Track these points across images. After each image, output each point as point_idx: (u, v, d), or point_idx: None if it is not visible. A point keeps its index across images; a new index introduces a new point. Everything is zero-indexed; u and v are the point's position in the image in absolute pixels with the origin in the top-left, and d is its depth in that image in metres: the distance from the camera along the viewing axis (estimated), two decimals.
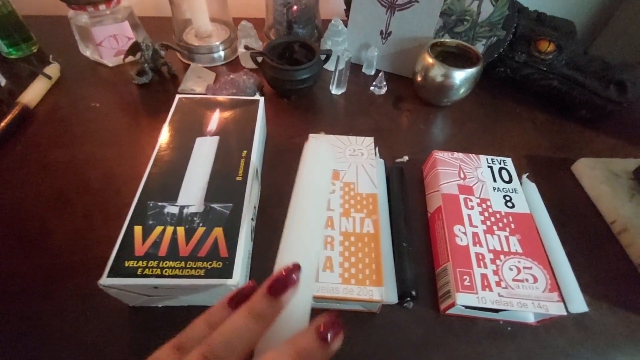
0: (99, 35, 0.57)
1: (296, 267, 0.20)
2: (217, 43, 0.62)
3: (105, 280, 0.29)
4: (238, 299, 0.20)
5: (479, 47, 0.59)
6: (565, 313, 0.31)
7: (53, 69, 0.58)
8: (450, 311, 0.34)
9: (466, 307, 0.32)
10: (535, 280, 0.33)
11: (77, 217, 0.42)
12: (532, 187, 0.44)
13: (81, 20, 0.57)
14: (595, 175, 0.46)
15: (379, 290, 0.32)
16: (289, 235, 0.24)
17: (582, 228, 0.43)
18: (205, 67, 0.61)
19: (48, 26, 0.68)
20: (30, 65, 0.60)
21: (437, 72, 0.52)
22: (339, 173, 0.41)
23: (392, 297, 0.35)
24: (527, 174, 0.46)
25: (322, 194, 0.27)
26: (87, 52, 0.62)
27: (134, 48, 0.56)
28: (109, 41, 0.59)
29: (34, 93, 0.54)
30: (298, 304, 0.20)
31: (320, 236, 0.25)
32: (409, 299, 0.35)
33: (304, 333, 0.18)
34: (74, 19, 0.58)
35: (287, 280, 0.19)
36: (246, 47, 0.54)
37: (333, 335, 0.17)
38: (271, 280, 0.19)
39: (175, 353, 0.18)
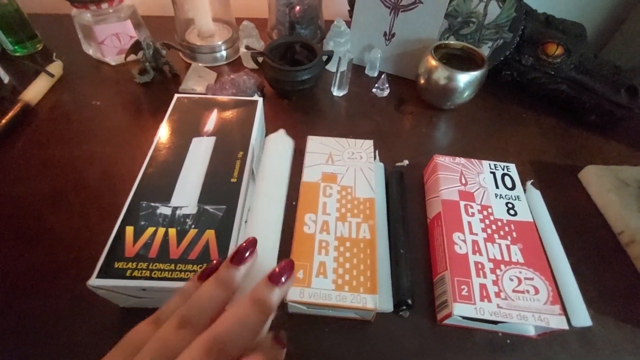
0: (101, 33, 0.57)
1: (253, 241, 0.23)
2: (219, 43, 0.62)
3: (93, 281, 0.29)
4: (207, 274, 0.22)
5: (485, 50, 0.57)
6: (567, 327, 0.30)
7: (56, 67, 0.58)
8: (447, 321, 0.33)
9: (463, 317, 0.31)
10: (537, 291, 0.32)
11: (73, 215, 0.41)
12: (536, 195, 0.43)
13: (84, 18, 0.57)
14: (603, 183, 0.44)
15: (373, 299, 0.31)
16: (255, 211, 0.30)
17: (588, 238, 0.41)
18: (207, 67, 0.61)
19: (52, 24, 0.69)
20: (35, 63, 0.60)
21: (441, 74, 0.51)
22: (336, 176, 0.40)
23: (387, 306, 0.34)
24: (532, 180, 0.45)
25: (282, 177, 0.33)
26: (90, 51, 0.62)
27: (135, 47, 0.56)
28: (111, 40, 0.59)
29: (35, 90, 0.54)
30: (264, 263, 0.24)
31: (281, 212, 0.32)
32: (404, 307, 0.34)
33: (260, 281, 0.21)
34: (78, 17, 0.58)
35: (245, 252, 0.22)
36: (247, 47, 0.53)
37: (284, 279, 0.21)
38: (233, 253, 0.22)
39: (152, 325, 0.20)
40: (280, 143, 0.36)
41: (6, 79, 0.55)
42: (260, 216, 0.28)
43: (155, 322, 0.21)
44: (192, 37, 0.63)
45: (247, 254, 0.22)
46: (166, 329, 0.19)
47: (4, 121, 0.49)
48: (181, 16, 0.62)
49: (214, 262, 0.23)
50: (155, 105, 0.55)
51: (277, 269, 0.21)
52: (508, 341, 0.33)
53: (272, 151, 0.35)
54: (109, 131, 0.51)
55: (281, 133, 0.36)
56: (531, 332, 0.33)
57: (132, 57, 0.58)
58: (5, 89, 0.55)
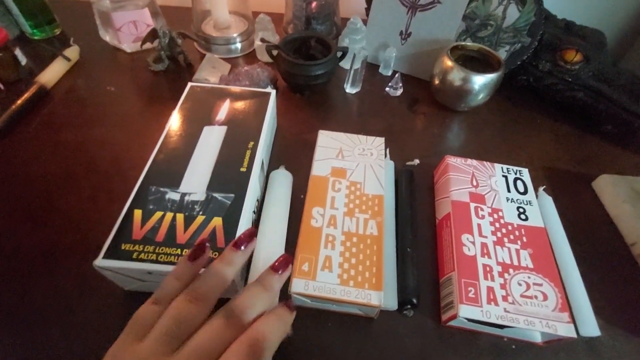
0: (118, 20, 0.58)
1: (253, 230, 0.27)
2: (235, 35, 0.62)
3: (100, 262, 0.29)
4: (196, 255, 0.25)
5: (502, 53, 0.57)
6: (575, 336, 0.29)
7: (72, 52, 0.58)
8: (452, 323, 0.33)
9: (469, 320, 0.31)
10: (545, 298, 0.32)
11: (83, 198, 0.42)
12: (548, 201, 0.42)
13: (103, 5, 0.58)
14: (618, 193, 0.43)
15: (378, 295, 0.31)
16: (262, 234, 0.36)
17: (600, 248, 0.41)
18: (222, 58, 0.61)
19: (71, 10, 0.69)
20: (52, 47, 0.61)
21: (456, 75, 0.51)
22: (346, 171, 0.40)
23: (391, 303, 0.33)
24: (544, 186, 0.44)
25: (284, 207, 0.40)
26: (107, 37, 0.62)
27: (152, 35, 0.56)
28: (128, 27, 0.59)
29: (52, 74, 0.55)
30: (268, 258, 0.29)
31: (283, 236, 0.38)
32: (409, 306, 0.33)
33: (266, 269, 0.26)
34: (96, 3, 0.58)
35: (246, 238, 0.26)
36: (262, 40, 0.53)
37: (282, 269, 0.26)
38: (236, 239, 0.26)
39: (156, 306, 0.23)
40: (282, 176, 0.42)
41: (24, 61, 0.56)
42: (266, 234, 0.35)
43: (157, 302, 0.23)
44: (208, 28, 0.63)
45: (247, 240, 0.26)
46: (180, 303, 0.22)
47: (19, 102, 0.49)
48: (198, 7, 0.63)
49: (201, 243, 0.26)
50: (168, 94, 0.56)
51: (276, 263, 0.26)
52: (513, 347, 0.33)
53: (276, 182, 0.41)
54: (122, 117, 0.51)
55: (282, 168, 0.43)
56: (537, 338, 0.33)
57: (147, 45, 0.59)
58: (22, 71, 0.55)
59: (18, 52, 0.55)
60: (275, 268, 0.26)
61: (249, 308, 0.23)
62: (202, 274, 0.24)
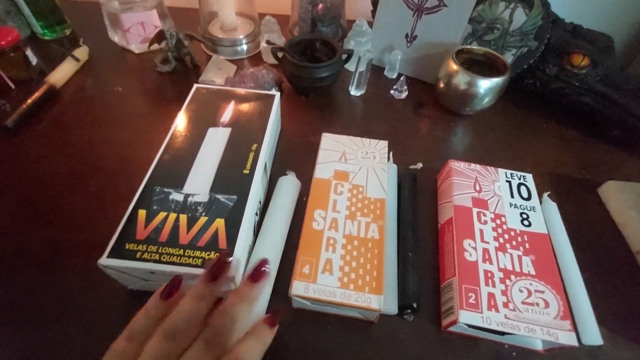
0: (127, 21, 0.59)
1: (226, 254, 0.25)
2: (241, 36, 0.62)
3: (104, 261, 0.30)
4: (168, 292, 0.24)
5: (508, 57, 0.56)
6: (576, 344, 0.29)
7: (82, 52, 0.59)
8: (452, 328, 0.33)
9: (469, 326, 0.31)
10: (547, 305, 0.31)
11: (88, 197, 0.42)
12: (552, 207, 0.42)
13: (112, 6, 0.59)
14: (624, 199, 0.43)
15: (378, 299, 0.31)
16: (262, 237, 0.36)
17: (604, 255, 0.40)
18: (228, 60, 0.62)
19: (81, 11, 0.70)
20: (62, 47, 0.62)
21: (461, 79, 0.50)
22: (349, 174, 0.40)
23: (391, 307, 0.33)
24: (549, 192, 0.43)
25: (287, 213, 0.40)
26: (116, 38, 0.63)
27: (159, 36, 0.57)
28: (136, 28, 0.60)
29: (61, 74, 0.56)
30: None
31: (282, 241, 0.38)
32: (409, 311, 0.34)
33: (242, 281, 0.25)
34: (106, 5, 0.59)
35: (220, 268, 0.24)
36: (268, 42, 0.54)
37: (258, 279, 0.24)
38: (207, 269, 0.24)
39: (130, 343, 0.22)
40: (291, 184, 0.42)
41: (34, 61, 0.57)
42: (267, 239, 0.35)
43: (130, 339, 0.22)
44: (214, 30, 0.64)
45: (221, 270, 0.24)
46: (157, 342, 0.22)
47: (29, 101, 0.50)
48: (205, 9, 0.63)
49: (176, 280, 0.25)
50: (175, 95, 0.56)
51: (252, 272, 0.25)
52: (514, 354, 0.33)
53: (283, 189, 0.41)
54: (129, 117, 0.52)
55: (292, 175, 0.43)
56: (538, 346, 0.33)
57: (155, 46, 0.59)
58: (32, 71, 0.56)
59: (29, 52, 0.56)
60: (252, 278, 0.25)
61: (229, 327, 0.23)
62: (179, 308, 0.23)
